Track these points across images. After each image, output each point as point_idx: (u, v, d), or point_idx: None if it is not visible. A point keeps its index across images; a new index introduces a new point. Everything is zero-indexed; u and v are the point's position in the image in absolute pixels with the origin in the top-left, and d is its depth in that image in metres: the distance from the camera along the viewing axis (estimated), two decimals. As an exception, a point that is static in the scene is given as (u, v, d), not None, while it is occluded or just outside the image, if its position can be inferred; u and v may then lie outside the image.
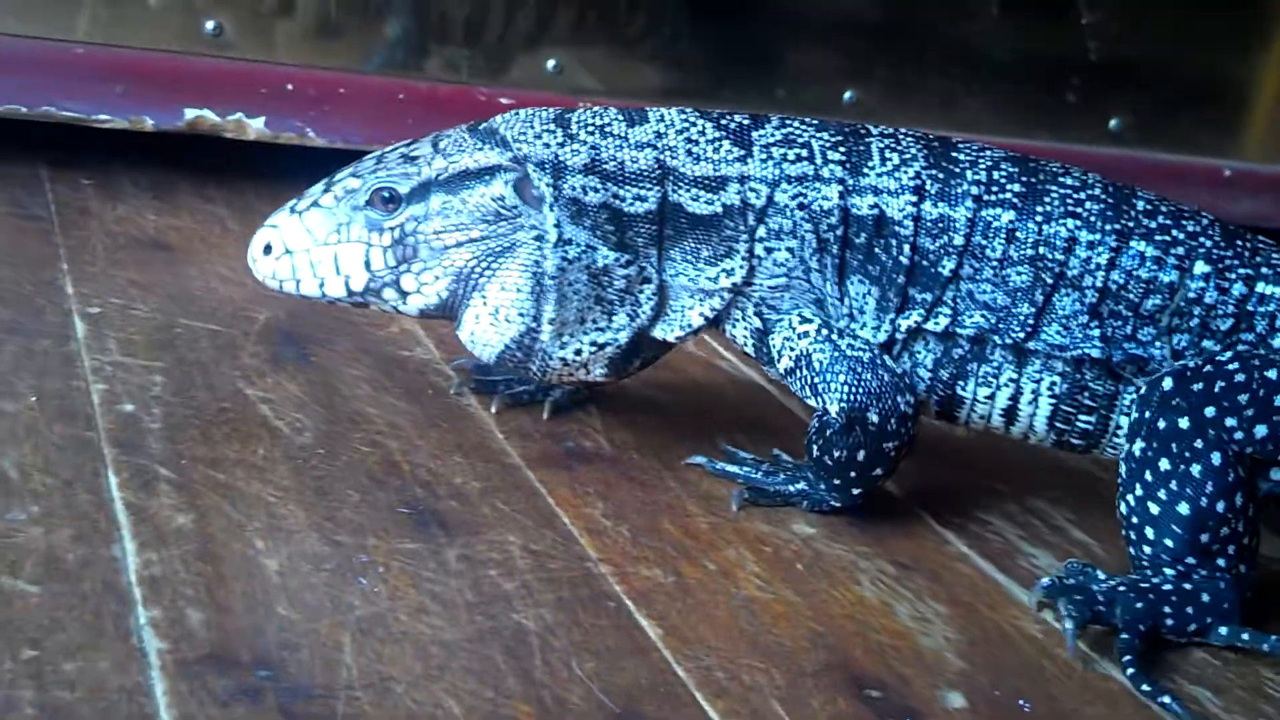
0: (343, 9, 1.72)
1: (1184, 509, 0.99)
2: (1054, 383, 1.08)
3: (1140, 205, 1.08)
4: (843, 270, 1.08)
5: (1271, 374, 1.02)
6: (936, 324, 1.08)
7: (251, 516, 0.97)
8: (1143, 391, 1.04)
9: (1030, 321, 1.07)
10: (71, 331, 1.20)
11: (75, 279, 1.31)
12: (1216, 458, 0.99)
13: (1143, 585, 1.00)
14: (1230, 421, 1.00)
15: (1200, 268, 1.06)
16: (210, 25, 1.64)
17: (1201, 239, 1.07)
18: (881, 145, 1.09)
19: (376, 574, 0.93)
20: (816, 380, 1.06)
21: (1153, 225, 1.07)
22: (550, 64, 1.78)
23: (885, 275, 1.08)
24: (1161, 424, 1.00)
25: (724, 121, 1.10)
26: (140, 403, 1.10)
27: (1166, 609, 0.99)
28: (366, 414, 1.16)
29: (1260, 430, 1.00)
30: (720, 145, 1.08)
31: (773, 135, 1.09)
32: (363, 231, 1.07)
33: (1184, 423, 1.00)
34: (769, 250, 1.08)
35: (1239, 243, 1.08)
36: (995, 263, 1.07)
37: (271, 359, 1.22)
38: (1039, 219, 1.07)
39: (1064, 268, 1.06)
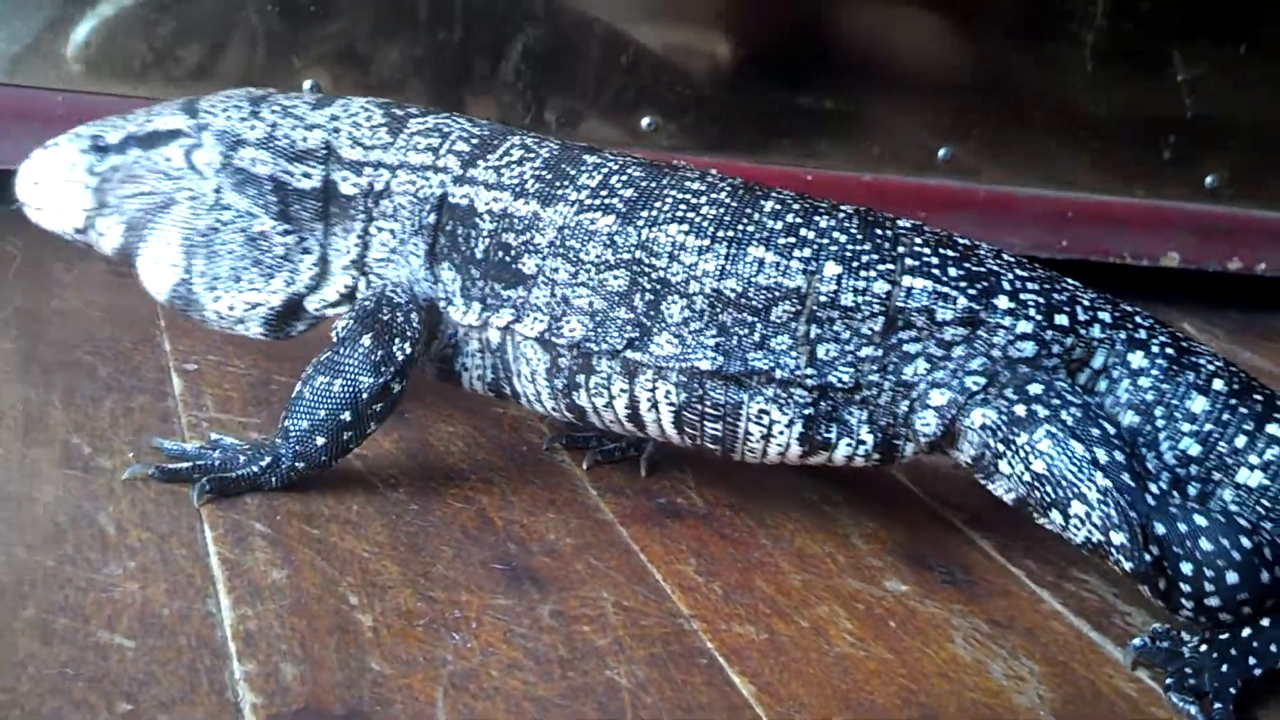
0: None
1: (1235, 554, 0.96)
2: (669, 391, 1.05)
3: (767, 207, 1.05)
4: (435, 256, 1.11)
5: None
6: (532, 328, 1.07)
7: (345, 572, 0.97)
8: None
9: (633, 331, 1.05)
10: (169, 388, 1.22)
11: (172, 335, 1.33)
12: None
13: (1225, 643, 0.97)
14: None
15: (830, 269, 1.03)
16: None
17: (834, 235, 1.04)
18: (511, 145, 1.12)
19: (469, 629, 0.93)
20: (349, 319, 1.09)
21: (777, 227, 1.04)
22: (645, 122, 1.80)
23: (468, 266, 1.10)
24: None
25: (395, 111, 1.16)
26: (236, 458, 1.11)
27: (1252, 659, 0.97)
28: (460, 469, 1.16)
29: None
30: (376, 132, 1.14)
31: (421, 125, 1.15)
32: (83, 173, 1.16)
33: None
34: (378, 230, 1.13)
35: (878, 234, 1.04)
36: (590, 268, 1.05)
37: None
38: (641, 225, 1.05)
39: (667, 274, 1.04)
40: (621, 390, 1.06)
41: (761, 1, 1.90)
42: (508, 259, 1.08)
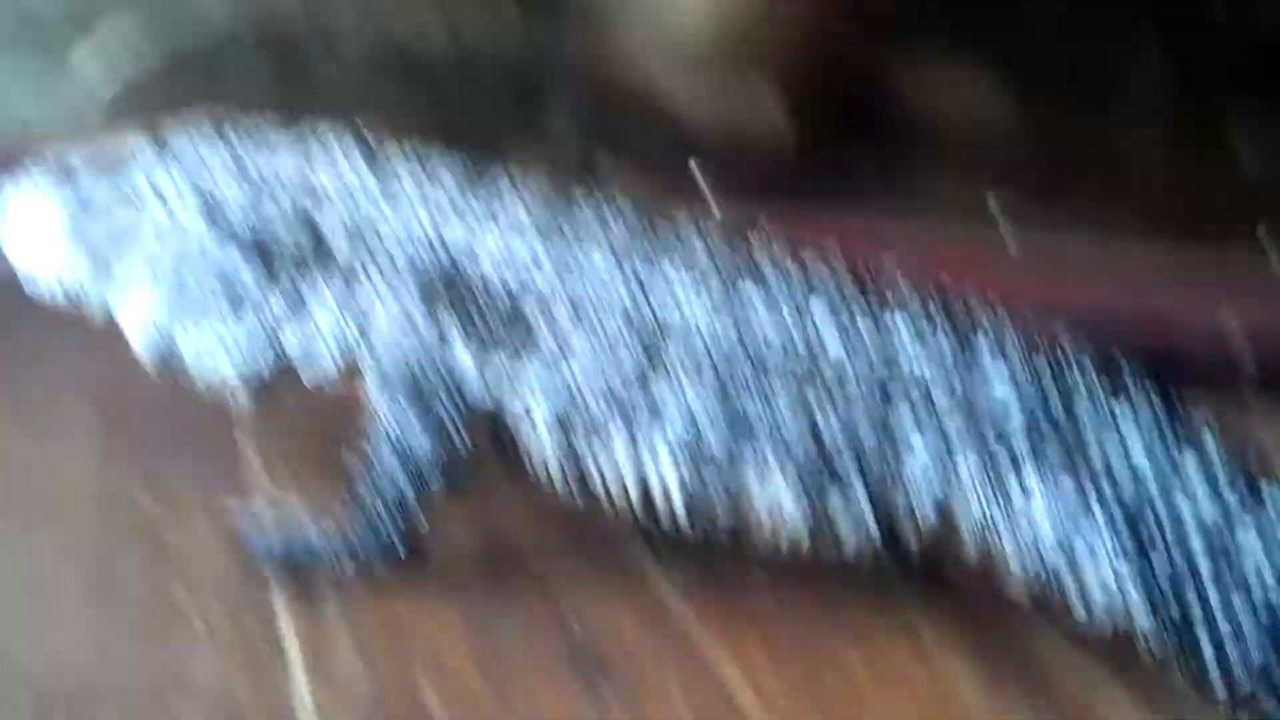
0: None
1: None
2: (681, 475, 1.06)
3: (764, 269, 1.07)
4: (441, 328, 1.09)
5: None
6: (547, 409, 1.08)
7: (417, 652, 0.99)
8: None
9: (645, 410, 1.06)
10: (248, 462, 1.24)
11: (247, 413, 1.34)
12: None
13: None
14: None
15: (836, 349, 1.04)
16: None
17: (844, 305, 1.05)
18: (507, 202, 1.11)
19: (538, 716, 0.94)
20: (379, 399, 1.09)
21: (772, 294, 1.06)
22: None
23: (480, 339, 1.08)
24: None
25: (366, 152, 1.14)
26: (310, 533, 1.13)
27: None
28: (530, 555, 1.16)
29: None
30: (353, 177, 1.11)
31: (404, 170, 1.12)
32: (48, 207, 1.13)
33: None
34: (378, 298, 1.09)
35: None
36: (606, 343, 1.06)
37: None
38: (655, 299, 1.06)
39: (682, 353, 1.05)
40: (634, 470, 1.07)
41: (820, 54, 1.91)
42: (527, 333, 1.07)
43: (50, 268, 1.14)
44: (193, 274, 1.10)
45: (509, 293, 1.08)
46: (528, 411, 1.08)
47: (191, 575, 1.04)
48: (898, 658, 1.09)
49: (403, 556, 1.07)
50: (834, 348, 1.04)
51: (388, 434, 1.06)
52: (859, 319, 1.05)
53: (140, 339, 1.12)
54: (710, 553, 1.19)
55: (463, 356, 1.09)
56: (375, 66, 1.76)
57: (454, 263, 1.09)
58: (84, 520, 1.10)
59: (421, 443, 1.06)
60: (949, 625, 1.14)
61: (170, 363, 1.14)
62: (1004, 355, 1.04)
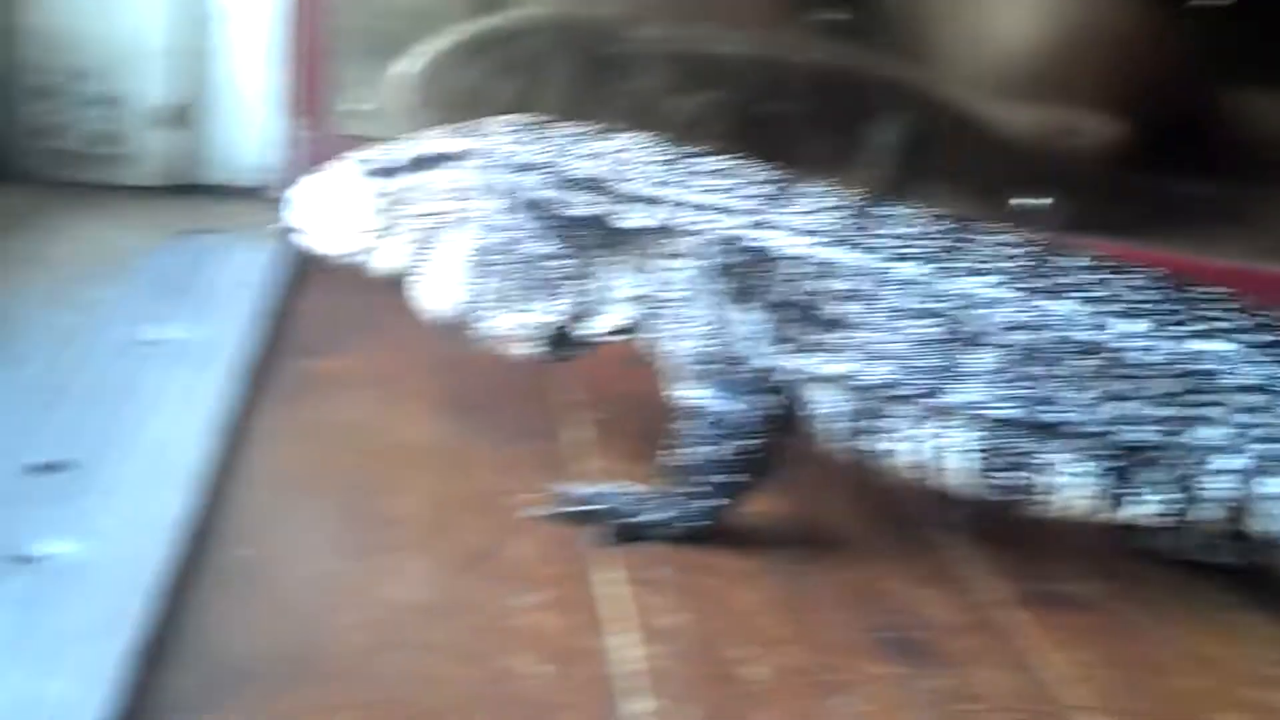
0: None
1: None
2: (969, 440, 1.06)
3: (1073, 263, 1.07)
4: (740, 298, 1.11)
5: None
6: (837, 370, 1.08)
7: (736, 623, 1.00)
8: None
9: (938, 378, 1.05)
10: (567, 435, 1.29)
11: (587, 385, 1.39)
12: None
13: None
14: None
15: (1134, 326, 1.04)
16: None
17: (1142, 294, 1.06)
18: (811, 189, 1.13)
19: (853, 694, 0.94)
20: (691, 377, 1.10)
21: (1085, 281, 1.06)
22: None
23: (780, 310, 1.09)
24: None
25: (673, 148, 1.17)
26: (633, 506, 1.16)
27: None
28: (847, 535, 1.17)
29: None
30: (661, 167, 1.15)
31: (709, 165, 1.15)
32: (365, 196, 1.22)
33: None
34: (677, 269, 1.12)
35: (1185, 296, 1.07)
36: (903, 315, 1.07)
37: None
38: (953, 274, 1.06)
39: (975, 324, 1.05)
40: (922, 436, 1.08)
41: (1149, 84, 1.86)
42: (827, 306, 1.09)
43: (376, 253, 1.23)
44: (500, 257, 1.18)
45: (808, 265, 1.10)
46: (825, 380, 1.09)
47: (518, 532, 1.09)
48: (1228, 673, 1.05)
49: (717, 525, 1.10)
50: (1140, 336, 1.04)
51: (702, 407, 1.10)
52: (1167, 307, 1.06)
53: (450, 317, 1.20)
54: (1023, 538, 1.18)
55: (762, 327, 1.11)
56: (682, 72, 1.81)
57: (753, 239, 1.11)
58: (431, 475, 1.16)
59: (735, 414, 1.09)
60: (1270, 613, 1.11)
61: (480, 339, 1.20)
62: None
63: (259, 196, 1.68)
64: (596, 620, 0.98)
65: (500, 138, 1.20)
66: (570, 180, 1.17)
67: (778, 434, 1.10)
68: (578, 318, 1.18)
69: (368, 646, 0.91)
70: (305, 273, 1.52)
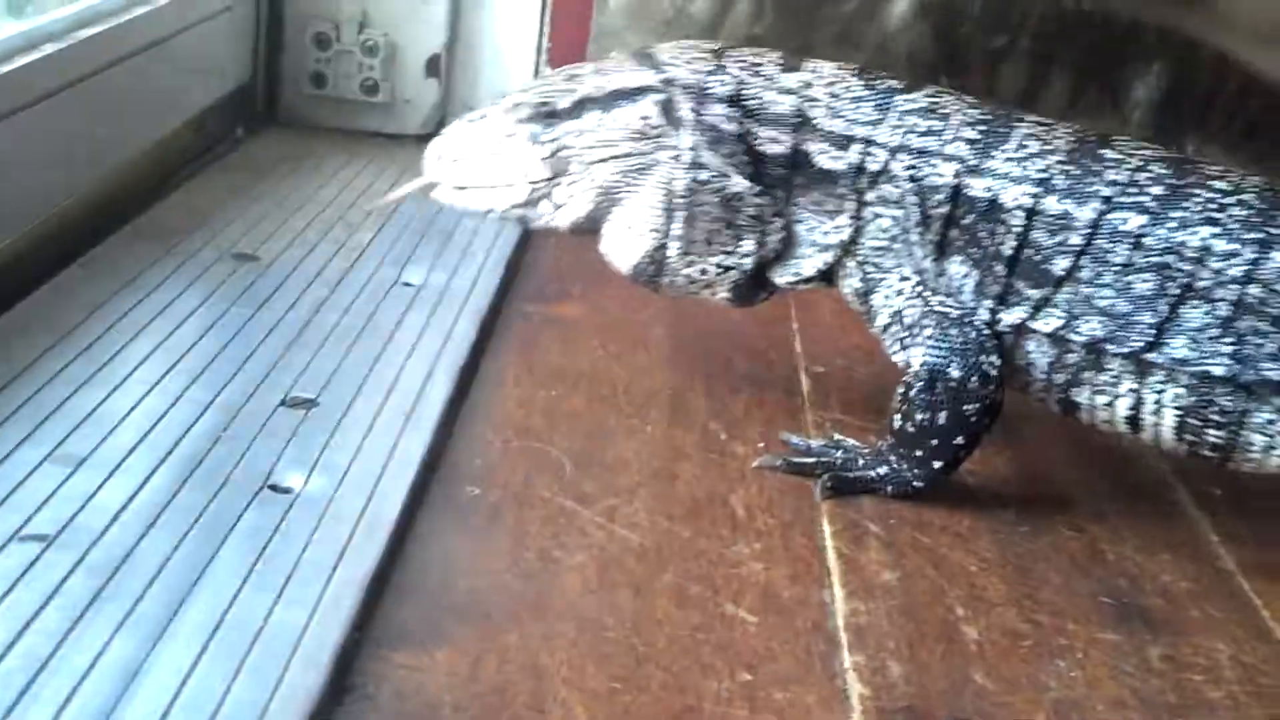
0: None
1: None
2: (1178, 395, 1.00)
3: None
4: (944, 248, 1.06)
5: None
6: (1046, 324, 1.03)
7: (953, 583, 1.00)
8: None
9: (1152, 333, 1.00)
10: (798, 387, 1.29)
11: (803, 338, 1.40)
12: None
13: None
14: None
15: None
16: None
17: None
18: (1026, 132, 1.06)
19: (1075, 659, 0.92)
20: (904, 335, 1.06)
21: None
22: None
23: (987, 262, 1.04)
24: None
25: (875, 83, 1.09)
26: (855, 460, 1.16)
27: None
28: (1070, 496, 1.15)
29: None
30: (860, 104, 1.08)
31: (912, 103, 1.08)
32: (525, 144, 1.12)
33: None
34: (875, 215, 1.08)
35: None
36: (1117, 268, 1.01)
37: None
38: (1171, 225, 1.00)
39: (1193, 278, 0.99)
40: (1130, 390, 1.05)
41: None
42: (1037, 258, 1.05)
43: (546, 206, 1.13)
44: (692, 198, 1.11)
45: (1019, 216, 1.06)
46: (1033, 330, 1.06)
47: (743, 483, 1.10)
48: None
49: (937, 485, 1.09)
50: None
51: (920, 368, 1.07)
52: None
53: (642, 265, 1.14)
54: (1258, 503, 1.13)
55: (970, 281, 1.07)
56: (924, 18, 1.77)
57: (963, 186, 1.07)
58: (656, 422, 1.18)
59: (952, 378, 1.05)
60: None
61: (674, 286, 1.15)
62: None
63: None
64: (815, 572, 0.99)
65: (683, 68, 1.12)
66: (768, 116, 1.11)
67: (994, 394, 1.06)
68: (774, 261, 1.14)
69: (592, 586, 0.94)
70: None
